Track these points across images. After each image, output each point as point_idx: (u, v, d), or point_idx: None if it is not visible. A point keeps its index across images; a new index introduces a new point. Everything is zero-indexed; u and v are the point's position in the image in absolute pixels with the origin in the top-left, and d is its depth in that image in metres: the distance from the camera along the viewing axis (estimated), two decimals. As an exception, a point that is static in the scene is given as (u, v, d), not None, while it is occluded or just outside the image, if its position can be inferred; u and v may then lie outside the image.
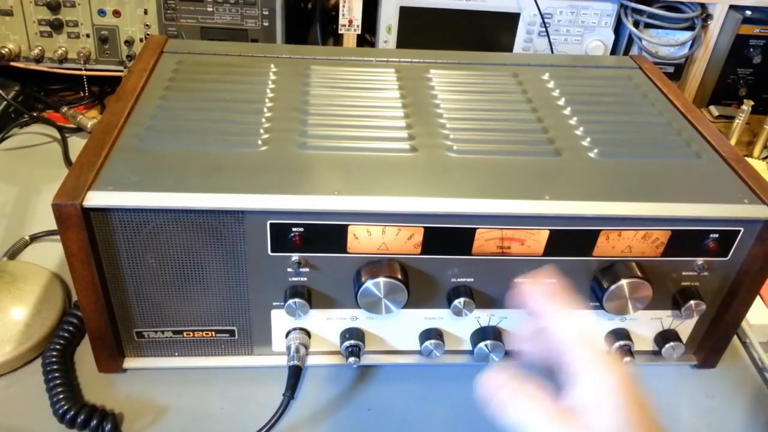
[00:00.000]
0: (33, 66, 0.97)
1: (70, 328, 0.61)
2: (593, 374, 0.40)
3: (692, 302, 0.58)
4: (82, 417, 0.54)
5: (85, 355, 0.60)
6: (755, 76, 1.07)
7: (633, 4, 1.02)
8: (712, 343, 0.63)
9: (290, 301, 0.55)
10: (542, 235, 0.54)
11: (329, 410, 0.59)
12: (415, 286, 0.56)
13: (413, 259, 0.55)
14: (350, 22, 1.01)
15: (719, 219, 0.55)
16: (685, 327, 0.63)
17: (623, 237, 0.55)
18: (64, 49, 0.96)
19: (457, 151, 0.59)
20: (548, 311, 0.43)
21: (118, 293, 0.55)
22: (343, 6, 1.00)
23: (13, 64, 0.96)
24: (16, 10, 0.93)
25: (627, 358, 0.60)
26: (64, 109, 0.96)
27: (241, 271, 0.55)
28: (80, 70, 0.98)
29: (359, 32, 1.02)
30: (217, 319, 0.58)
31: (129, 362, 0.60)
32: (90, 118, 0.94)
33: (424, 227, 0.53)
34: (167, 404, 0.58)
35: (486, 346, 0.59)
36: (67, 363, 0.60)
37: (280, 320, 0.58)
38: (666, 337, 0.62)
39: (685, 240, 0.56)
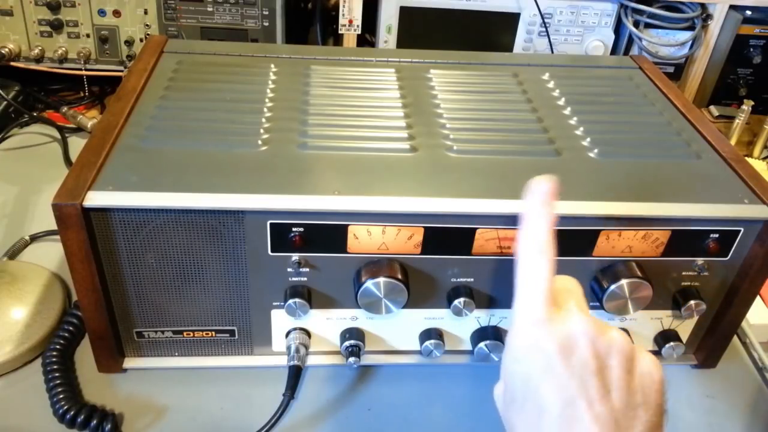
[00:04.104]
0: (33, 66, 0.97)
1: (70, 328, 0.61)
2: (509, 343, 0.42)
3: (692, 302, 0.58)
4: (82, 417, 0.54)
5: (85, 355, 0.60)
6: (755, 76, 1.07)
7: (633, 4, 1.02)
8: (712, 343, 0.63)
9: (290, 301, 0.55)
10: (542, 235, 0.54)
11: (329, 410, 0.59)
12: (415, 286, 0.56)
13: (413, 259, 0.55)
14: (350, 22, 1.01)
15: (719, 219, 0.55)
16: (685, 327, 0.63)
17: (623, 237, 0.55)
18: (64, 49, 0.96)
19: (457, 151, 0.59)
20: (519, 262, 0.44)
21: (118, 293, 0.55)
22: (343, 6, 1.00)
23: (13, 64, 0.96)
24: (16, 10, 0.93)
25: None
26: (64, 109, 0.96)
27: (241, 271, 0.55)
28: (80, 70, 0.98)
29: (359, 32, 1.02)
30: (217, 319, 0.58)
31: (129, 362, 0.60)
32: (90, 118, 0.94)
33: (424, 227, 0.53)
34: (167, 404, 0.58)
35: (486, 346, 0.59)
36: (67, 363, 0.60)
37: (280, 320, 0.58)
38: (666, 337, 0.62)
39: (685, 240, 0.56)
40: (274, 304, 0.57)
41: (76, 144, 0.92)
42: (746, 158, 0.66)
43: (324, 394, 0.60)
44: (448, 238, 0.54)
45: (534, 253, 0.43)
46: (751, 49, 1.05)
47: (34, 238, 0.75)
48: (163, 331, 0.58)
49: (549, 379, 0.38)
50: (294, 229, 0.52)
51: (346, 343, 0.58)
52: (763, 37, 1.04)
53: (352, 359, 0.58)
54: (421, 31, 1.04)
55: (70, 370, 0.59)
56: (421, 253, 0.54)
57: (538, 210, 0.44)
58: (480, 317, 0.60)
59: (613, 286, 0.55)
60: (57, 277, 0.68)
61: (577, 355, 0.39)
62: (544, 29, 1.04)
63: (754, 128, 1.01)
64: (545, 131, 0.64)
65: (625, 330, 0.61)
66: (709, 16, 1.05)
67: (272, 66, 0.72)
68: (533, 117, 0.66)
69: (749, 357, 0.68)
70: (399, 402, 0.60)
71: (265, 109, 0.63)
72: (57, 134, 0.94)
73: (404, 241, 0.54)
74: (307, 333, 0.59)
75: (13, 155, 0.90)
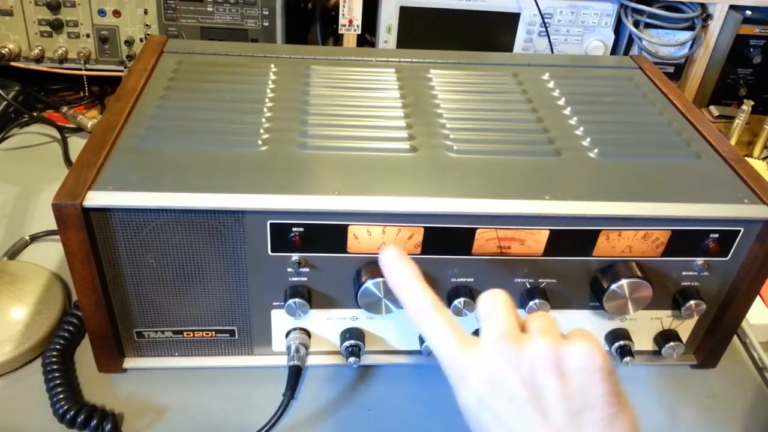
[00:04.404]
0: (33, 66, 0.97)
1: (70, 328, 0.61)
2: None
3: (692, 302, 0.58)
4: (82, 417, 0.54)
5: (85, 355, 0.60)
6: (755, 76, 1.07)
7: (633, 4, 1.02)
8: (712, 343, 0.63)
9: (290, 301, 0.55)
10: (542, 235, 0.54)
11: (329, 410, 0.59)
12: (415, 286, 0.55)
13: (413, 259, 0.55)
14: (350, 22, 1.01)
15: (719, 219, 0.55)
16: (685, 327, 0.63)
17: (623, 237, 0.55)
18: (64, 49, 0.96)
19: (457, 151, 0.59)
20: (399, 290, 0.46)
21: (118, 293, 0.55)
22: (343, 6, 1.00)
23: (13, 64, 0.96)
24: (16, 10, 0.93)
25: (627, 358, 0.60)
26: (64, 109, 0.96)
27: (241, 271, 0.55)
28: (80, 70, 0.98)
29: (359, 32, 1.02)
30: (217, 319, 0.58)
31: (129, 362, 0.60)
32: (90, 118, 0.94)
33: (424, 227, 0.53)
34: (167, 404, 0.58)
35: (486, 346, 0.59)
36: (67, 363, 0.60)
37: (280, 320, 0.58)
38: (666, 337, 0.62)
39: (685, 240, 0.56)
40: (274, 304, 0.57)
41: (76, 144, 0.92)
42: (746, 158, 0.66)
43: (324, 394, 0.60)
44: (448, 238, 0.54)
45: (425, 311, 0.44)
46: (751, 49, 1.05)
47: (34, 238, 0.75)
48: (163, 331, 0.58)
49: (490, 419, 0.39)
50: (294, 229, 0.52)
51: (346, 343, 0.58)
52: (763, 37, 1.04)
53: (352, 359, 0.58)
54: (421, 31, 1.04)
55: (70, 370, 0.59)
56: (421, 253, 0.54)
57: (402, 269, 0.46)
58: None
59: (613, 286, 0.55)
60: (57, 277, 0.68)
61: (504, 389, 0.39)
62: (544, 29, 1.04)
63: (754, 128, 1.01)
64: (545, 131, 0.64)
65: (625, 330, 0.61)
66: (709, 16, 1.05)
67: (272, 66, 0.72)
68: (533, 117, 0.66)
69: (749, 357, 0.68)
70: (399, 402, 0.60)
71: (265, 109, 0.63)
72: (57, 134, 0.94)
73: (404, 241, 0.54)
74: (307, 333, 0.59)
75: (13, 155, 0.90)
